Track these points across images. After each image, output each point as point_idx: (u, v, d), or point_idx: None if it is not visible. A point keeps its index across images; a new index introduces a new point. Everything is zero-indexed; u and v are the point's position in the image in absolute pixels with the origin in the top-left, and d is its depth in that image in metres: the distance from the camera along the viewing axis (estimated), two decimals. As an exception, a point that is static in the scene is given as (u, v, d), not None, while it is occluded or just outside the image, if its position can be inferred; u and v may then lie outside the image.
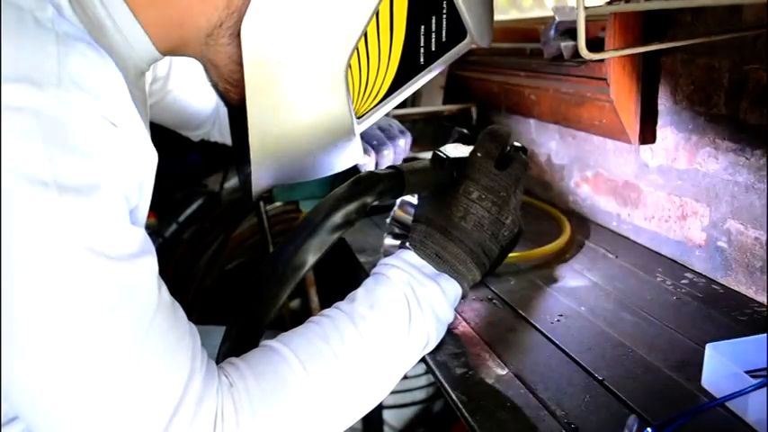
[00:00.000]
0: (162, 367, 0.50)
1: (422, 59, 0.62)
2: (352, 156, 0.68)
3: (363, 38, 0.59)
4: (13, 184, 0.43)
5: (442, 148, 0.72)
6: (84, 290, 0.46)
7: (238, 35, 0.59)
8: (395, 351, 0.64)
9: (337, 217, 0.64)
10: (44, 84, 0.45)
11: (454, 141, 0.75)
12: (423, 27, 0.60)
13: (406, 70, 0.63)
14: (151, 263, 0.51)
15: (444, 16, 0.60)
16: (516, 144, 0.73)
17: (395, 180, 0.68)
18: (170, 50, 0.61)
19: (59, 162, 0.45)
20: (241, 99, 0.64)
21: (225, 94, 0.65)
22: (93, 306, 0.46)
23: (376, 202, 0.67)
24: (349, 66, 0.60)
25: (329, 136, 0.64)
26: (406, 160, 0.75)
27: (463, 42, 0.63)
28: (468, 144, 0.73)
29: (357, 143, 0.67)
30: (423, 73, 0.64)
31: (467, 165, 0.70)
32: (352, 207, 0.65)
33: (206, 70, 0.65)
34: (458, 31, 0.61)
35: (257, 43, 0.58)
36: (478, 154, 0.70)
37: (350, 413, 0.61)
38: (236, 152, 0.77)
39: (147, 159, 0.54)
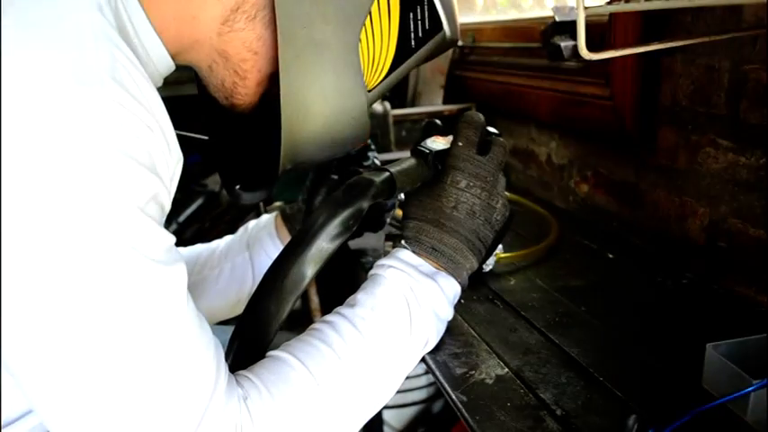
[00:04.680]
0: (190, 374, 0.50)
1: (413, 43, 0.68)
2: (363, 132, 0.68)
3: (369, 16, 0.64)
4: (58, 180, 0.43)
5: (422, 144, 0.73)
6: (128, 287, 0.46)
7: (254, 18, 0.60)
8: (398, 351, 0.64)
9: (335, 225, 0.64)
10: (87, 83, 0.45)
11: (429, 134, 0.76)
12: (411, 14, 0.67)
13: (402, 51, 0.68)
14: (183, 270, 0.51)
15: (426, 7, 0.68)
16: (491, 129, 0.74)
17: (386, 181, 0.68)
18: (179, 52, 0.61)
19: (107, 162, 0.45)
20: (248, 93, 0.64)
21: (233, 90, 0.65)
22: (125, 302, 0.46)
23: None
24: (359, 40, 0.64)
25: (345, 109, 0.65)
26: (384, 162, 0.77)
27: (439, 34, 0.70)
28: (443, 134, 0.75)
29: (368, 120, 0.68)
30: (415, 55, 0.69)
31: (450, 155, 0.71)
32: (348, 213, 0.65)
33: (210, 72, 0.64)
34: (436, 23, 0.69)
35: (289, 11, 0.59)
36: (459, 143, 0.71)
37: (359, 415, 0.62)
38: (243, 153, 0.78)
39: (176, 164, 0.54)
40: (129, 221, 0.46)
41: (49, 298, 0.44)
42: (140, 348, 0.47)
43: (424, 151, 0.72)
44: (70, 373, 0.46)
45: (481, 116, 0.73)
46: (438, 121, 0.79)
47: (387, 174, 0.68)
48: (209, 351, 0.52)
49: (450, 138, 0.72)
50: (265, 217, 0.98)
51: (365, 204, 0.66)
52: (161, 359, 0.48)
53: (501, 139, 0.73)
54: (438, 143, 0.73)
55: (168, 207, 0.53)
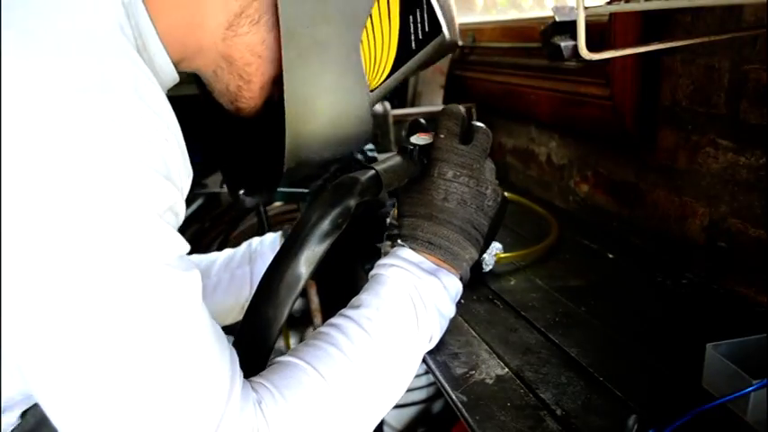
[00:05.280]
0: (205, 380, 0.50)
1: (413, 45, 0.69)
2: (365, 131, 0.69)
3: (369, 18, 0.65)
4: (79, 185, 0.44)
5: (406, 141, 0.75)
6: (145, 293, 0.47)
7: (258, 22, 0.61)
8: (405, 349, 0.64)
9: (324, 225, 0.64)
10: (110, 92, 0.46)
11: (414, 133, 0.77)
12: (411, 17, 0.68)
13: (403, 52, 0.69)
14: (198, 277, 0.52)
15: (426, 11, 0.69)
16: (475, 122, 0.75)
17: (372, 179, 0.69)
18: (183, 59, 0.62)
19: (129, 170, 0.45)
20: (252, 96, 0.65)
21: (237, 94, 0.65)
22: (144, 307, 0.47)
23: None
24: (360, 40, 0.65)
25: (348, 107, 0.66)
26: (370, 159, 0.78)
27: (439, 37, 0.70)
28: (427, 132, 0.76)
29: (370, 119, 0.69)
30: (416, 57, 0.70)
31: (434, 148, 0.72)
32: (336, 212, 0.65)
33: (215, 77, 0.65)
34: (435, 26, 0.70)
35: (292, 11, 0.60)
36: (441, 135, 0.72)
37: (372, 415, 0.62)
38: (247, 157, 0.79)
39: (188, 178, 0.55)
40: (147, 228, 0.47)
41: (66, 304, 0.44)
42: (156, 354, 0.47)
43: (408, 147, 0.73)
44: (85, 379, 0.46)
45: (461, 107, 0.74)
46: (422, 120, 0.80)
47: (372, 172, 0.69)
48: (223, 356, 0.53)
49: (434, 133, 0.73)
50: (270, 235, 0.99)
51: (352, 202, 0.66)
52: (177, 365, 0.48)
53: (484, 127, 0.74)
54: (421, 139, 0.74)
55: (182, 217, 0.53)
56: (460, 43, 1.68)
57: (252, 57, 0.63)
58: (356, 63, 0.65)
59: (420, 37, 0.69)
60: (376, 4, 0.65)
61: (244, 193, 0.79)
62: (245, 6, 0.60)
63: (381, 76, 0.68)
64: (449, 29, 0.71)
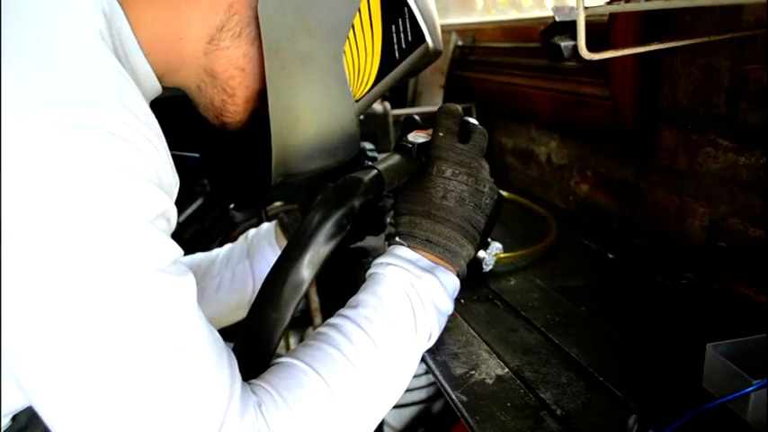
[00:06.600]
0: (204, 386, 0.50)
1: (397, 54, 0.70)
2: (352, 141, 0.70)
3: (351, 29, 0.66)
4: (70, 195, 0.44)
5: (403, 139, 0.75)
6: (135, 295, 0.46)
7: (239, 35, 0.61)
8: (404, 348, 0.64)
9: (329, 226, 0.64)
10: (98, 106, 0.46)
11: (409, 130, 0.77)
12: (393, 27, 0.69)
13: (387, 62, 0.70)
14: (193, 281, 0.52)
15: (408, 20, 0.70)
16: (470, 120, 0.75)
17: (374, 179, 0.69)
18: (166, 73, 0.62)
19: (118, 177, 0.45)
20: (237, 110, 0.66)
21: (222, 108, 0.65)
22: (140, 314, 0.46)
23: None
24: (343, 51, 0.66)
25: (333, 118, 0.67)
26: (370, 159, 0.79)
27: (422, 46, 0.71)
28: (423, 129, 0.77)
29: (357, 130, 0.70)
30: (400, 66, 0.71)
31: (432, 146, 0.72)
32: (341, 213, 0.65)
33: (199, 92, 0.65)
34: (418, 35, 0.71)
35: (273, 24, 0.60)
36: (440, 133, 0.72)
37: (372, 415, 0.62)
38: (235, 173, 0.80)
39: (175, 187, 0.55)
40: (140, 234, 0.47)
41: (59, 312, 0.44)
42: (152, 361, 0.47)
43: (407, 146, 0.73)
44: (80, 389, 0.46)
45: (458, 107, 0.75)
46: (416, 117, 0.80)
47: (374, 171, 0.69)
48: (222, 360, 0.52)
49: (431, 131, 0.74)
50: (265, 225, 0.99)
51: (356, 203, 0.66)
52: (174, 371, 0.48)
53: (480, 127, 0.75)
54: (419, 137, 0.74)
55: (174, 222, 0.53)
56: (460, 43, 1.69)
57: (235, 70, 0.63)
58: (340, 74, 0.66)
59: (403, 46, 0.70)
60: (358, 14, 0.65)
61: (233, 208, 0.80)
62: (225, 20, 0.60)
63: (366, 86, 0.69)
64: (432, 37, 0.71)
